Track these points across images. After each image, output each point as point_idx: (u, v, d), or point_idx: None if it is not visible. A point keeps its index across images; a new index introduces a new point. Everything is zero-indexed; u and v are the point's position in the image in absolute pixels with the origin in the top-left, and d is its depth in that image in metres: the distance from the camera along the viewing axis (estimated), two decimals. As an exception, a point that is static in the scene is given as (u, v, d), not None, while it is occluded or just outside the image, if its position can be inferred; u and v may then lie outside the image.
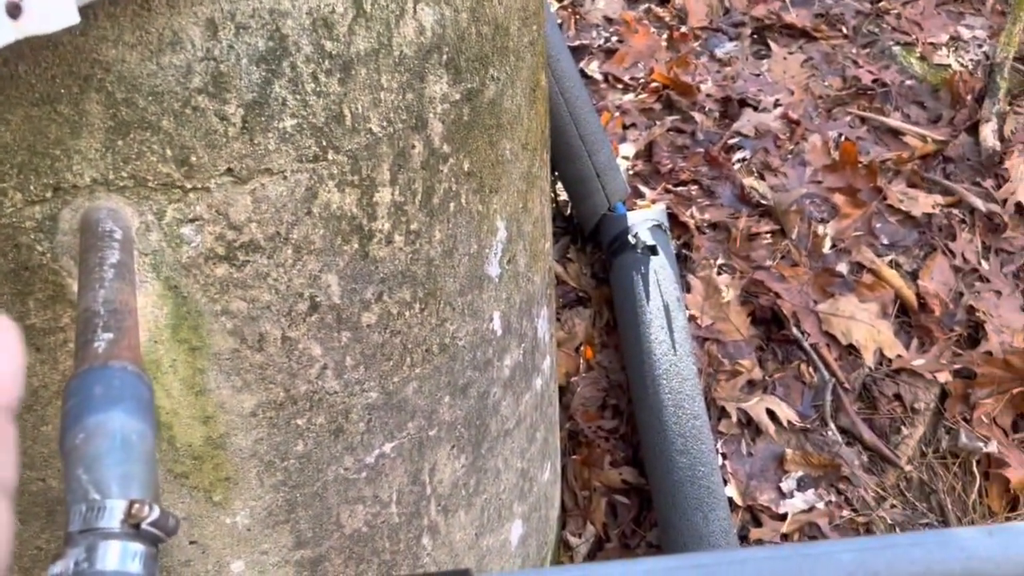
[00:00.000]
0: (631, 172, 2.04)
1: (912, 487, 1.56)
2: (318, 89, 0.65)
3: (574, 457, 1.57)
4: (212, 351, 0.71)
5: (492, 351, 0.96)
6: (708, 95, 2.25)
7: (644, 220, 1.72)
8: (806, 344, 1.66)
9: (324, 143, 0.67)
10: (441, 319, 0.85)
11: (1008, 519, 1.62)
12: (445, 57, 0.73)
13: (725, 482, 1.46)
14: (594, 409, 1.66)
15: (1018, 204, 1.97)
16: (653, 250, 1.66)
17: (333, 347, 0.76)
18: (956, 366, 1.68)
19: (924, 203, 1.93)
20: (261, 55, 0.61)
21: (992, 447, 1.63)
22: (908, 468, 1.56)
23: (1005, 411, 1.70)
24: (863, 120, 2.17)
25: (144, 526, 0.36)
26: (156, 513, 0.36)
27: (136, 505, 0.36)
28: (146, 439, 0.40)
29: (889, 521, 1.45)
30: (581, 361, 1.72)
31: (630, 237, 1.68)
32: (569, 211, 1.91)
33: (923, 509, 1.53)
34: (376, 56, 0.68)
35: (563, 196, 1.90)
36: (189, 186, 0.63)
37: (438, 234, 0.80)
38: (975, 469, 1.62)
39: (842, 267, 1.79)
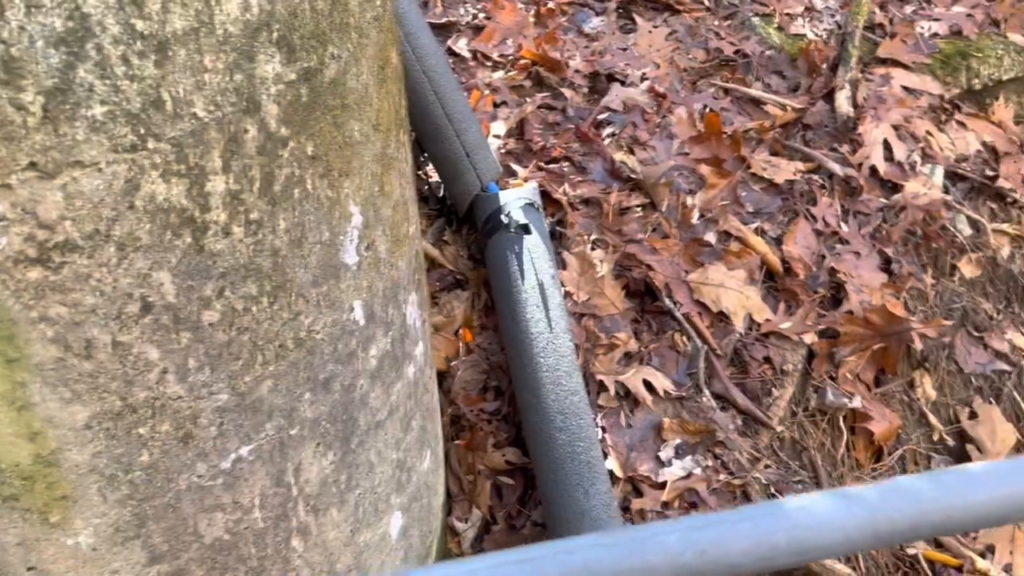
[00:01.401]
0: (503, 151, 2.02)
1: (785, 446, 1.61)
2: (131, 73, 0.60)
3: (457, 442, 1.56)
4: (33, 362, 0.65)
5: (355, 342, 0.92)
6: (577, 71, 2.25)
7: (517, 199, 1.71)
8: (678, 314, 1.69)
9: (142, 131, 0.62)
10: (294, 312, 0.81)
11: (874, 470, 1.71)
12: (276, 35, 0.69)
13: (605, 455, 1.47)
14: (475, 392, 1.64)
15: (872, 168, 2.06)
16: (526, 228, 1.65)
17: (172, 349, 0.71)
18: (821, 326, 1.75)
19: (786, 170, 2.00)
20: (60, 37, 0.56)
21: (856, 402, 1.70)
22: (780, 428, 1.61)
23: (867, 367, 1.78)
24: (726, 91, 2.22)
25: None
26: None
27: None
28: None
29: (764, 481, 1.50)
30: (461, 344, 1.70)
31: (503, 216, 1.67)
32: (442, 192, 1.88)
33: (796, 467, 1.58)
34: (196, 35, 0.63)
35: (435, 177, 1.87)
36: (-14, 183, 0.57)
37: (283, 223, 0.76)
38: (842, 424, 1.69)
39: (710, 236, 1.83)
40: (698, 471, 1.46)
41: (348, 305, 0.89)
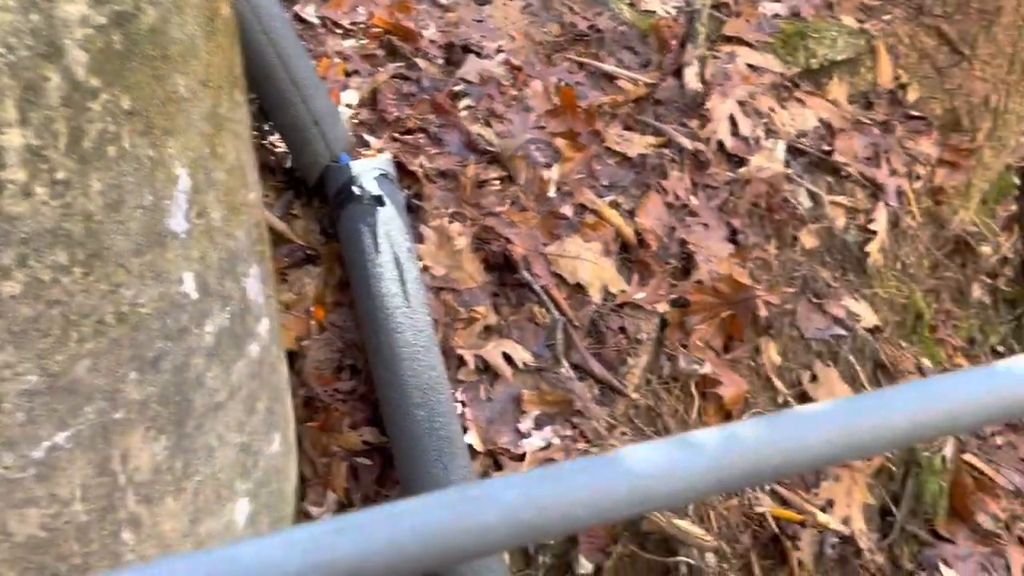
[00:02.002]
0: (356, 121, 1.96)
1: (640, 413, 1.64)
2: None
3: (310, 424, 1.50)
4: None
5: (187, 317, 0.86)
6: (432, 41, 2.20)
7: (369, 169, 1.65)
8: (537, 286, 1.69)
9: (-86, 72, 0.54)
10: (114, 284, 0.74)
11: (724, 432, 1.77)
12: (80, -29, 0.62)
13: (465, 430, 1.45)
14: (329, 372, 1.58)
15: (719, 142, 2.12)
16: (379, 200, 1.60)
17: (-35, 326, 0.63)
18: (673, 296, 1.79)
19: (638, 144, 2.03)
20: None
21: (707, 368, 1.75)
22: (635, 396, 1.64)
23: (717, 334, 1.84)
24: (581, 65, 2.23)
25: None
26: None
27: None
28: None
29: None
30: (313, 323, 1.64)
31: (355, 188, 1.61)
32: (289, 163, 1.80)
33: (651, 433, 1.62)
34: (-22, -35, 0.55)
35: (282, 147, 1.78)
36: None
37: (96, 184, 0.69)
38: (694, 390, 1.74)
39: (567, 209, 1.84)
40: (557, 441, 1.47)
41: (177, 277, 0.82)
